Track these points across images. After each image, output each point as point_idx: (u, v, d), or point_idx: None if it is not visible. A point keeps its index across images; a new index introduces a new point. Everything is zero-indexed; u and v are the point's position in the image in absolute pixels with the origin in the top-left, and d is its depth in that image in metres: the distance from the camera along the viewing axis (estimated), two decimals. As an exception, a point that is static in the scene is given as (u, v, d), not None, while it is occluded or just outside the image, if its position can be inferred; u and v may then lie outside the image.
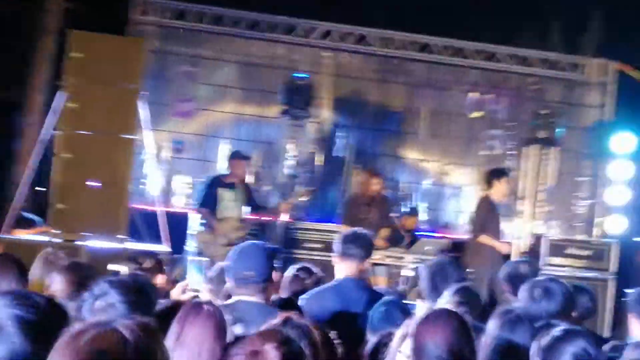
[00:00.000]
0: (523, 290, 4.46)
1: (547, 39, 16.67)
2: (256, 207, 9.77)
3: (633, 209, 12.01)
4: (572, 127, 12.24)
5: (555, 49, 14.76)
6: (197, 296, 4.67)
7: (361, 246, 4.89)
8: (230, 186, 9.53)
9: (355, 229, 5.23)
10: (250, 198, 9.71)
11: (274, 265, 4.24)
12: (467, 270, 8.76)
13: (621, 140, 11.89)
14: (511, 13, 15.96)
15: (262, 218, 9.99)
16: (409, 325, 3.23)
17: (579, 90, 12.41)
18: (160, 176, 11.01)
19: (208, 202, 9.47)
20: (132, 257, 5.44)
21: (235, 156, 9.77)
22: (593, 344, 3.20)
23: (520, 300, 4.47)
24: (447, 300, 4.25)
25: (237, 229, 9.34)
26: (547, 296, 4.44)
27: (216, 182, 9.63)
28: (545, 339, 3.25)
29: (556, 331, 3.26)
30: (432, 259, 5.03)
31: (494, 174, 9.80)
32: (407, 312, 4.28)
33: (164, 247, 8.51)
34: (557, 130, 11.35)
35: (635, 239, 11.23)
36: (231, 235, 9.24)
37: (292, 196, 10.02)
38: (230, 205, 9.46)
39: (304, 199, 9.93)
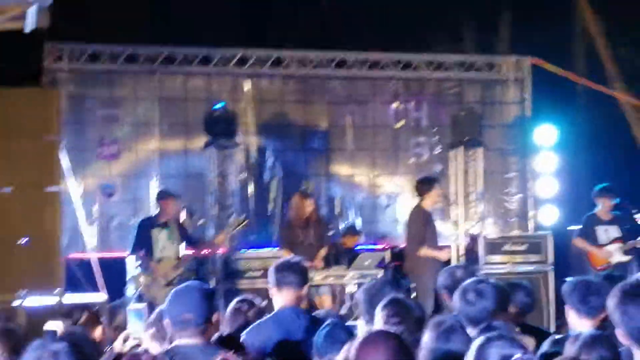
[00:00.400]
0: (456, 296, 4.51)
1: (460, 42, 17.01)
2: (192, 242, 9.71)
3: (563, 198, 12.28)
4: (495, 125, 12.46)
5: (469, 50, 15.06)
6: (138, 345, 4.62)
7: (296, 273, 4.89)
8: (164, 225, 9.47)
9: (288, 257, 5.23)
10: (185, 234, 9.65)
11: (214, 305, 4.20)
12: (409, 281, 8.88)
13: (543, 133, 12.17)
14: (423, 20, 16.24)
15: (200, 253, 9.91)
16: (349, 350, 3.26)
17: (497, 88, 12.62)
18: (91, 223, 10.88)
19: (143, 244, 9.40)
20: (67, 313, 5.36)
21: (163, 196, 9.71)
22: (515, 346, 3.25)
23: (455, 306, 4.52)
24: (379, 316, 4.28)
25: (176, 267, 9.29)
26: (480, 297, 4.49)
27: (149, 223, 9.57)
28: (472, 348, 3.31)
29: (480, 339, 3.31)
30: (369, 282, 5.04)
31: (424, 184, 9.97)
32: (350, 333, 4.30)
33: (101, 296, 8.40)
34: (479, 130, 11.53)
35: (569, 228, 11.43)
36: (170, 274, 9.19)
37: (227, 227, 9.97)
38: (166, 244, 9.41)
39: (239, 228, 9.89)
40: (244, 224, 9.82)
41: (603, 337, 3.67)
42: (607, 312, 3.17)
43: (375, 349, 3.18)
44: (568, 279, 5.23)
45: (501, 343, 3.21)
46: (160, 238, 9.40)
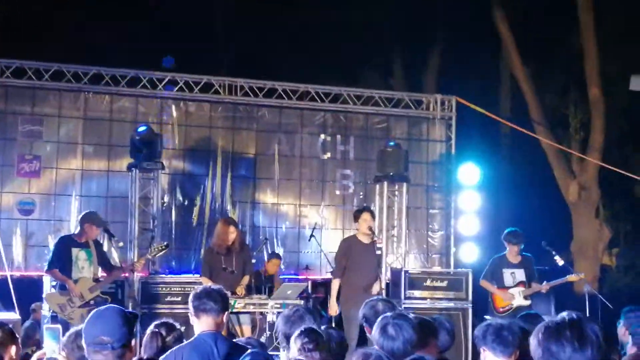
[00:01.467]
0: (376, 329, 4.48)
1: (389, 78, 17.23)
2: (110, 266, 9.51)
3: (483, 237, 12.45)
4: (420, 161, 12.58)
5: (398, 87, 15.25)
6: (52, 366, 4.49)
7: (215, 301, 4.81)
8: (84, 245, 9.26)
9: (207, 285, 5.17)
10: (104, 256, 9.46)
11: (132, 330, 4.10)
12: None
13: (467, 172, 12.34)
14: (354, 55, 16.41)
15: (118, 276, 9.69)
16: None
17: (423, 125, 12.76)
18: (8, 240, 10.60)
19: (60, 263, 9.16)
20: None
21: (90, 220, 9.42)
22: None
23: (375, 339, 4.49)
24: (295, 345, 4.23)
25: (93, 288, 9.08)
26: (401, 331, 4.46)
27: (68, 242, 9.33)
28: None
29: None
30: (287, 310, 4.98)
31: (354, 215, 10.07)
32: (271, 362, 4.25)
33: (14, 315, 8.16)
34: (405, 165, 11.61)
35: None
36: (86, 295, 8.99)
37: (147, 251, 9.79)
38: (85, 265, 9.20)
39: (159, 253, 9.72)
40: (164, 249, 9.66)
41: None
42: (531, 350, 3.14)
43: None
44: (487, 317, 5.25)
45: None
46: (80, 258, 9.19)
